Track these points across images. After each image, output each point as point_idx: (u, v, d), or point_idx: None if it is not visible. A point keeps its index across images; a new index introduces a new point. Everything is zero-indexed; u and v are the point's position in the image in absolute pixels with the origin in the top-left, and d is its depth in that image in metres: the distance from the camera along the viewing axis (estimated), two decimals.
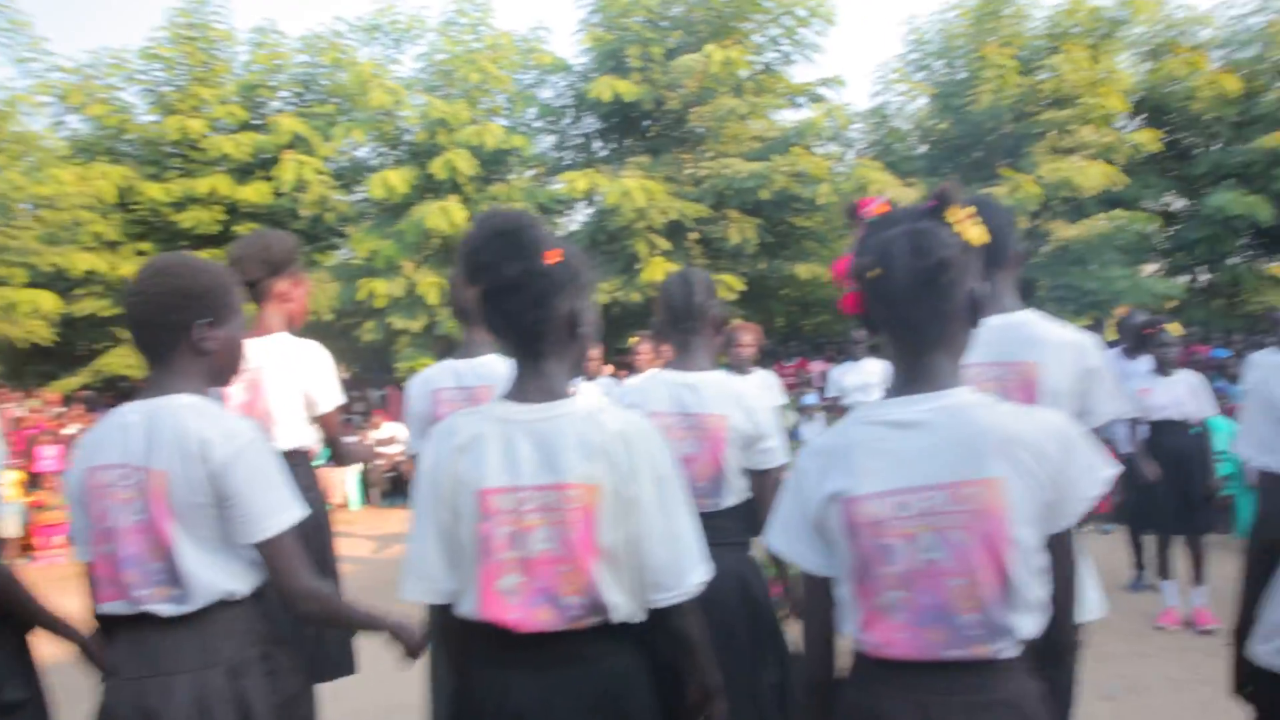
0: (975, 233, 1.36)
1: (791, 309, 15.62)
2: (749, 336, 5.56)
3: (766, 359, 13.51)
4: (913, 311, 1.34)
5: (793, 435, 11.16)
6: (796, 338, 15.92)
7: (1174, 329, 5.62)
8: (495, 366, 2.87)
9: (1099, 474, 1.35)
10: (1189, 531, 5.01)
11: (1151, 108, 12.24)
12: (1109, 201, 11.88)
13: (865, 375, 7.76)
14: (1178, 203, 12.71)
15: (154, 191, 13.10)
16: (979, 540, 1.27)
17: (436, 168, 12.49)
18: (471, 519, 1.51)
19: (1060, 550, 1.36)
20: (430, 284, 12.59)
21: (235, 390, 2.85)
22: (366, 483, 12.68)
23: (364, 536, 10.03)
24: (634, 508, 1.51)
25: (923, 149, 13.48)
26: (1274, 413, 2.73)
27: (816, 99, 13.53)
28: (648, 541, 1.52)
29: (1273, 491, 2.80)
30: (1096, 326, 12.16)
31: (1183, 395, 5.17)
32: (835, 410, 8.17)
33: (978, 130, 11.92)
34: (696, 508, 1.64)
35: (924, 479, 1.31)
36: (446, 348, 14.84)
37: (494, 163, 13.41)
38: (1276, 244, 12.01)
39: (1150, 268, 12.54)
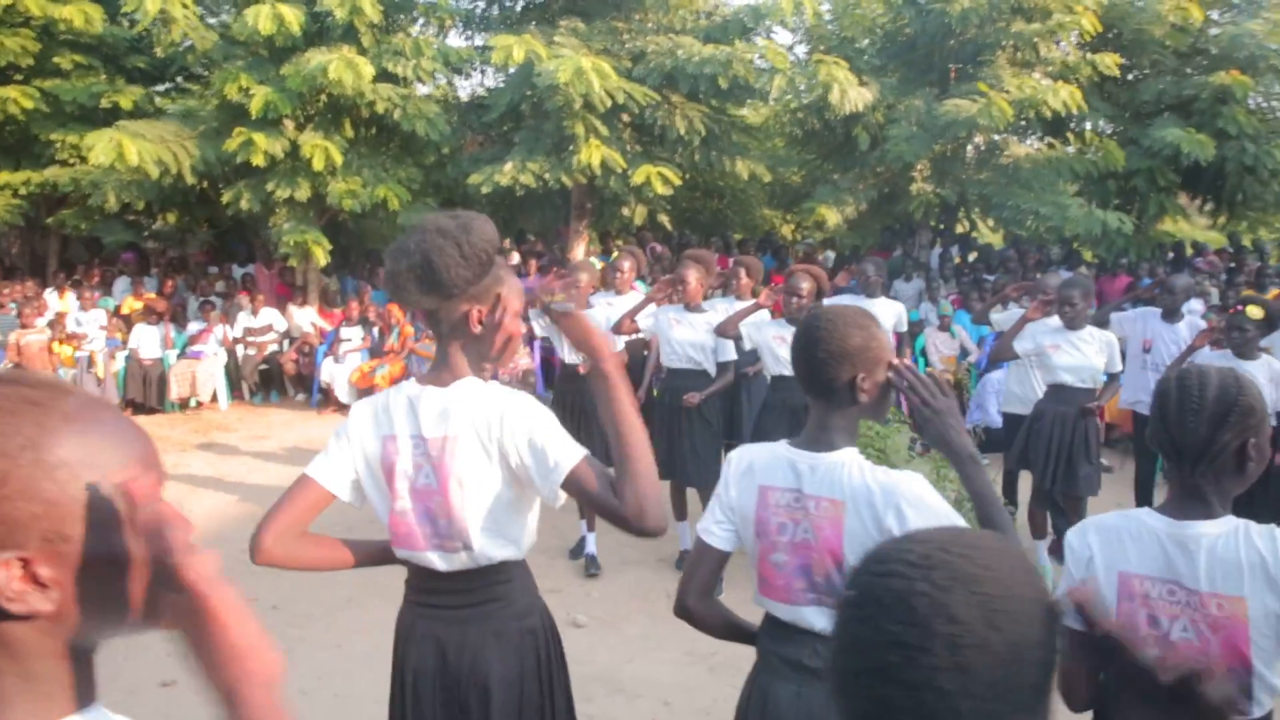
0: None
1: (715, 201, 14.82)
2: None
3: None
4: None
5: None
6: (720, 228, 14.97)
7: (1253, 313, 5.29)
8: None
9: None
10: None
11: (1105, 28, 11.77)
12: (1054, 123, 11.58)
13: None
14: (1109, 129, 12.54)
15: None
16: None
17: (335, 6, 10.48)
18: None
19: None
20: (316, 147, 10.77)
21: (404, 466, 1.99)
22: (235, 377, 11.16)
23: (250, 453, 8.72)
24: None
25: (866, 43, 12.58)
26: None
27: None
28: None
29: None
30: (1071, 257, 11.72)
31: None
32: None
33: (938, 31, 11.16)
34: None
35: None
36: (331, 221, 12.90)
37: (396, 9, 11.50)
38: (1195, 180, 12.00)
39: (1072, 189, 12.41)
